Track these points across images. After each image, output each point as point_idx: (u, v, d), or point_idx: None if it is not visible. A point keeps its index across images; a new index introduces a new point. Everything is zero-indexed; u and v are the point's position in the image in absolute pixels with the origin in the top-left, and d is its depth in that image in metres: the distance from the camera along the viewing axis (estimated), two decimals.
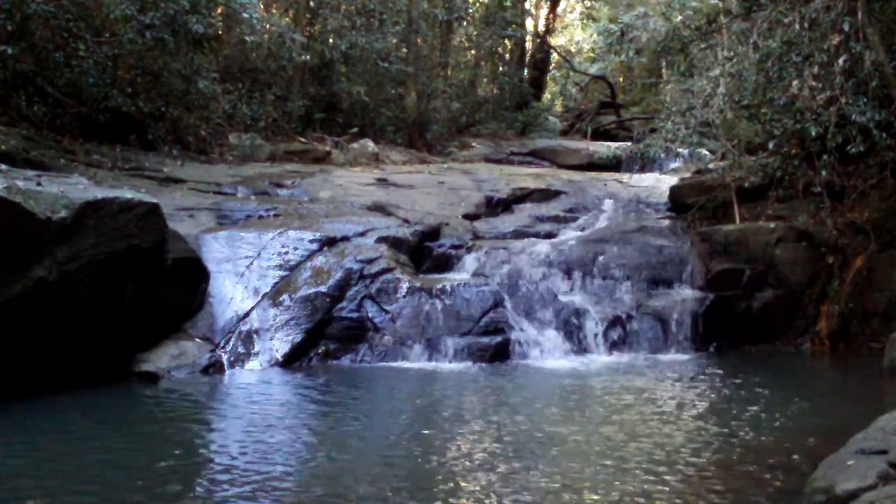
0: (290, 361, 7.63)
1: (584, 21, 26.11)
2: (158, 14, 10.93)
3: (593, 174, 14.52)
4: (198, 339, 7.47)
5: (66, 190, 6.26)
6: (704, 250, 9.98)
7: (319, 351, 7.89)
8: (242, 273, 8.11)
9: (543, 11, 25.89)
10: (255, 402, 6.41)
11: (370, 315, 8.15)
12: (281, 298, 7.95)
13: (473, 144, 19.00)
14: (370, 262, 8.51)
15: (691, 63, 11.79)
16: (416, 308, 8.23)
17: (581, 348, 8.69)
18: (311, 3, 16.72)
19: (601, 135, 20.79)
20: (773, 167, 9.95)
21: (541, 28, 24.84)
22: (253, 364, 7.49)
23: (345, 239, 8.91)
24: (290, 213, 9.69)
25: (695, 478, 4.56)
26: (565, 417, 6.19)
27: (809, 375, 8.45)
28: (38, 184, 6.19)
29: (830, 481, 3.79)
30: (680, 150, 11.73)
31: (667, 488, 4.37)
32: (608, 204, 11.85)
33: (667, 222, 10.79)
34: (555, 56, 25.96)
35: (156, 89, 12.48)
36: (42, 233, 5.87)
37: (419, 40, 18.87)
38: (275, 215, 9.58)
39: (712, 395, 6.81)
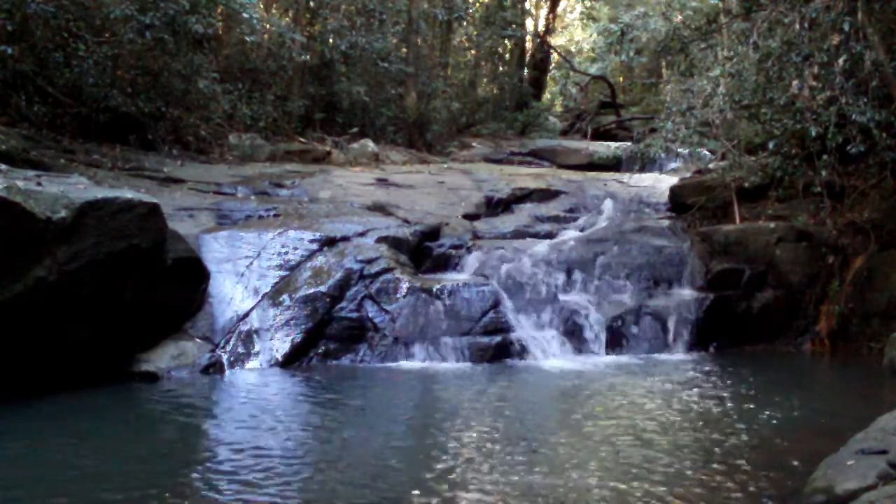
0: (290, 361, 7.63)
1: (584, 21, 26.12)
2: (158, 14, 10.93)
3: (593, 174, 14.53)
4: (198, 339, 7.46)
5: (66, 190, 6.26)
6: (704, 250, 9.98)
7: (319, 351, 7.88)
8: (242, 273, 8.11)
9: (543, 11, 25.92)
10: (255, 402, 6.41)
11: (370, 315, 8.14)
12: (281, 298, 7.95)
13: (473, 144, 19.00)
14: (370, 262, 8.50)
15: (691, 63, 11.79)
16: (416, 308, 8.22)
17: (581, 348, 8.69)
18: (311, 3, 16.72)
19: (601, 135, 20.80)
20: (773, 167, 9.95)
21: (541, 28, 24.86)
22: (253, 364, 7.49)
23: (345, 239, 8.91)
24: (290, 213, 9.69)
25: (694, 477, 4.56)
26: (564, 418, 6.19)
27: (809, 375, 8.45)
28: (38, 184, 6.19)
29: (830, 481, 3.79)
30: (680, 150, 11.72)
31: (665, 488, 4.37)
32: (608, 204, 11.84)
33: (667, 222, 10.79)
34: (555, 56, 25.97)
35: (156, 89, 12.48)
36: (42, 233, 5.87)
37: (419, 40, 18.88)
38: (275, 215, 9.58)
39: (712, 395, 6.81)
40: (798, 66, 8.88)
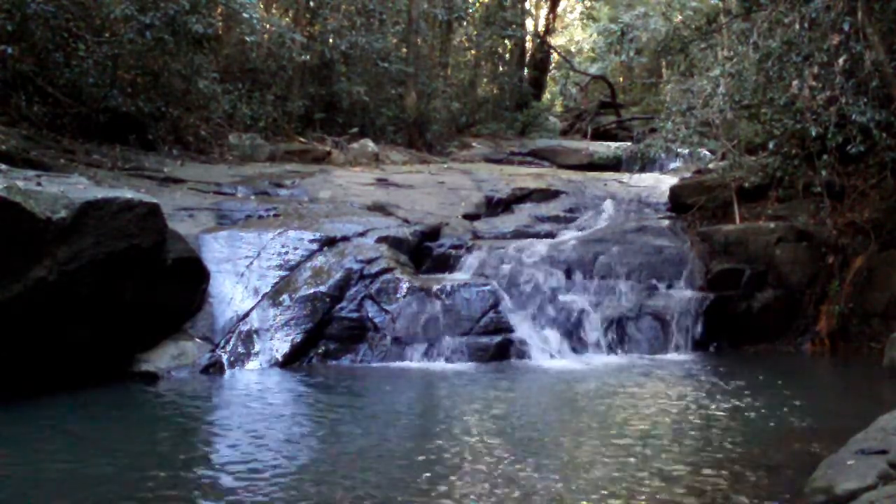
0: (290, 361, 7.63)
1: (584, 21, 26.15)
2: (158, 14, 10.93)
3: (593, 174, 14.52)
4: (198, 339, 7.46)
5: (66, 190, 6.26)
6: (704, 250, 9.98)
7: (319, 351, 7.88)
8: (242, 273, 8.11)
9: (543, 11, 25.94)
10: (255, 402, 6.41)
11: (370, 315, 8.14)
12: (281, 298, 7.95)
13: (473, 144, 19.01)
14: (370, 262, 8.50)
15: (691, 63, 11.81)
16: (416, 308, 8.22)
17: (581, 348, 8.69)
18: (311, 3, 16.73)
19: (601, 135, 20.82)
20: (773, 167, 9.95)
21: (541, 28, 24.87)
22: (253, 364, 7.49)
23: (345, 239, 8.92)
24: (290, 213, 9.69)
25: (694, 478, 4.55)
26: (564, 418, 6.20)
27: (809, 375, 8.45)
28: (38, 184, 6.19)
29: (830, 481, 3.79)
30: (680, 150, 11.73)
31: (665, 488, 4.36)
32: (608, 204, 11.85)
33: (667, 222, 10.79)
34: (555, 56, 25.98)
35: (156, 89, 12.48)
36: (42, 233, 5.87)
37: (419, 40, 18.88)
38: (275, 215, 9.59)
39: (712, 396, 6.81)
40: (798, 66, 8.88)
